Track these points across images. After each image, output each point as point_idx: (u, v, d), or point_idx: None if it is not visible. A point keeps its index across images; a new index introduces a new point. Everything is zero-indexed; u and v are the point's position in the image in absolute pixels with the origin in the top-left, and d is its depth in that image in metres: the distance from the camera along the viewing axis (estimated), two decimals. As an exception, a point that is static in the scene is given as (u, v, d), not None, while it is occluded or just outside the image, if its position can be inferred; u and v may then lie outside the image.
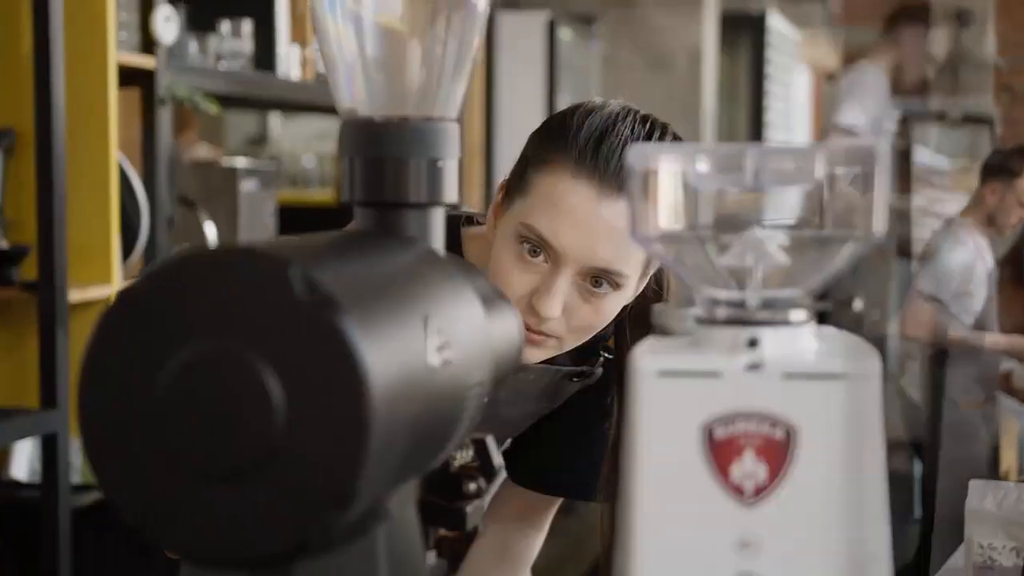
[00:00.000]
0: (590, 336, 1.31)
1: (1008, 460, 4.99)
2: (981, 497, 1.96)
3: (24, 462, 2.62)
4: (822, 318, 0.72)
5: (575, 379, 1.42)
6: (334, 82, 0.82)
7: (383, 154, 0.79)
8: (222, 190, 3.10)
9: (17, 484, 2.62)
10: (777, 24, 7.56)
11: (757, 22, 7.18)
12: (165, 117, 2.70)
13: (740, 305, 0.70)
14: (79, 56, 2.47)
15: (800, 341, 0.69)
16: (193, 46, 2.96)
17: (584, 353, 1.40)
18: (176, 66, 2.78)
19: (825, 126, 4.45)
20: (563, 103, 6.08)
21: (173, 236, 2.84)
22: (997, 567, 1.94)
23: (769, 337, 0.68)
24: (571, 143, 1.24)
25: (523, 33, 4.86)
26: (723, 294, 0.71)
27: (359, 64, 0.81)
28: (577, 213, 1.22)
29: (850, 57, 9.95)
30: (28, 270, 2.39)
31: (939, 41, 4.42)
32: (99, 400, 0.62)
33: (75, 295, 2.43)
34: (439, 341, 0.69)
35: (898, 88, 4.51)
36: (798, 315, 0.70)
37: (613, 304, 1.28)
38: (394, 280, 0.70)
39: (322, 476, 0.60)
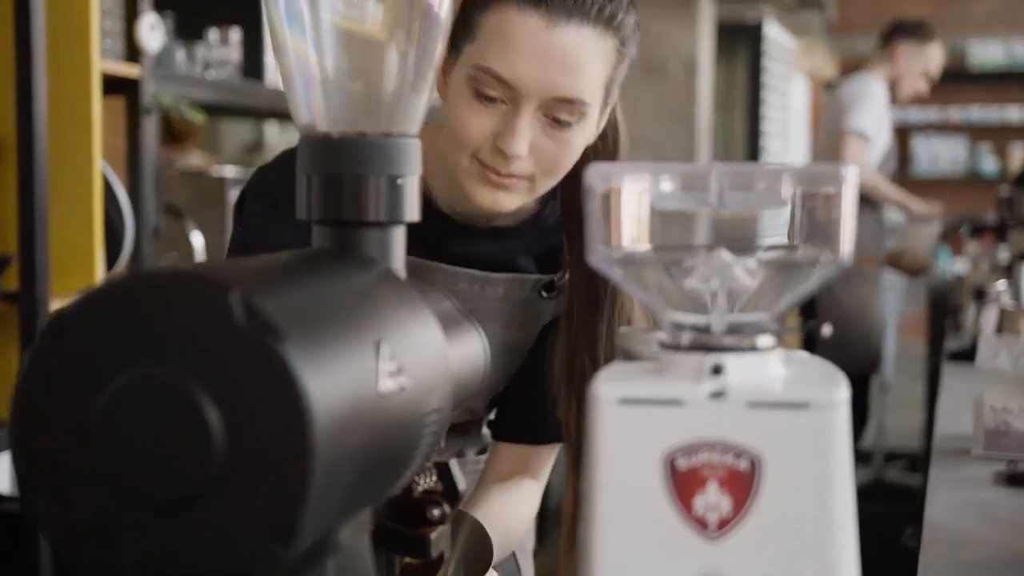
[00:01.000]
0: (559, 176, 1.28)
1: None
2: (993, 354, 1.82)
3: (6, 474, 2.60)
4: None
5: (544, 293, 1.39)
6: (292, 96, 0.80)
7: (341, 171, 0.77)
8: (212, 199, 3.08)
9: None
10: (774, 33, 7.54)
11: (754, 31, 7.16)
12: (150, 126, 2.68)
13: (705, 330, 0.68)
14: (62, 64, 2.44)
15: (766, 368, 0.67)
16: (181, 54, 2.94)
17: (549, 266, 1.39)
18: (162, 75, 2.76)
19: (828, 131, 4.44)
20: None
21: (159, 246, 2.82)
22: (1013, 432, 1.81)
23: (734, 364, 0.66)
24: None
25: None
26: (687, 318, 0.69)
27: (317, 78, 0.78)
28: (529, 44, 1.20)
29: (847, 66, 9.95)
30: (9, 280, 2.36)
31: (936, 56, 4.43)
32: (33, 426, 0.60)
33: (57, 305, 2.40)
34: (392, 367, 0.67)
35: (893, 100, 4.54)
36: (765, 340, 0.67)
37: (578, 137, 1.25)
38: (345, 304, 0.67)
39: (263, 509, 0.58)
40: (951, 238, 9.93)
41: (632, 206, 0.68)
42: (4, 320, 2.43)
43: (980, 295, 3.17)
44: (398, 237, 0.79)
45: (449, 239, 1.36)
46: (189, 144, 3.70)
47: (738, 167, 0.68)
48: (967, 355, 2.76)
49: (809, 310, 4.12)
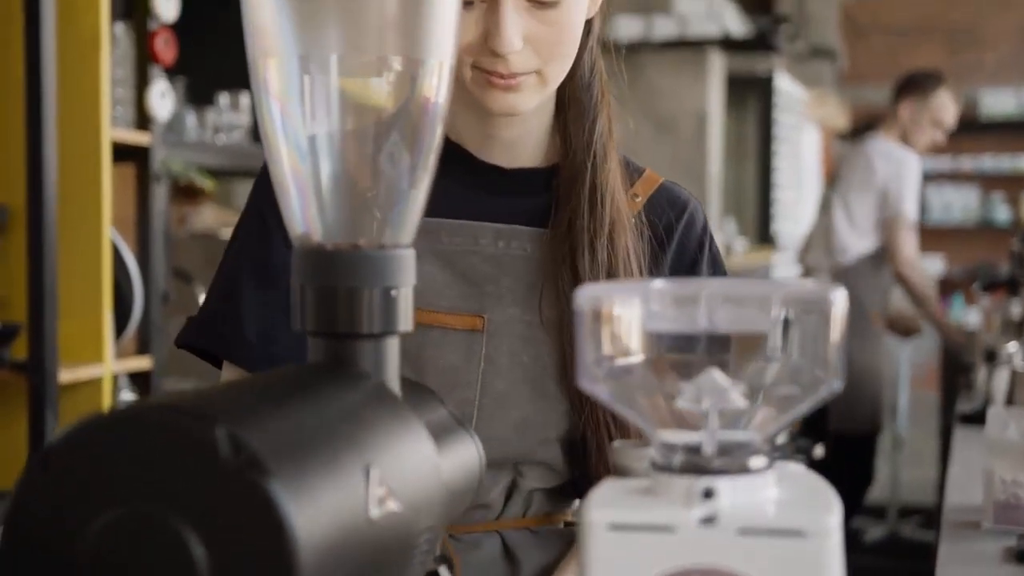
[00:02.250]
0: (567, 61, 1.19)
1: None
2: (1002, 425, 1.79)
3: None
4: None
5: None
6: (286, 207, 0.80)
7: (335, 283, 0.77)
8: (220, 262, 3.08)
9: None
10: (785, 84, 7.56)
11: (764, 83, 7.18)
12: (160, 193, 2.69)
13: (696, 450, 0.67)
14: (73, 133, 2.46)
15: (759, 490, 0.66)
16: (191, 119, 2.96)
17: None
18: (172, 141, 2.78)
19: (856, 191, 4.44)
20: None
21: (168, 311, 2.82)
22: (1023, 504, 1.78)
23: (726, 487, 0.65)
24: None
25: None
26: (678, 437, 0.68)
27: (311, 189, 0.79)
28: None
29: (858, 116, 9.97)
30: (18, 349, 2.37)
31: (943, 105, 4.43)
32: (20, 561, 0.60)
33: (66, 375, 2.40)
34: (382, 491, 0.66)
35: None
36: (757, 462, 0.67)
37: (573, 12, 1.17)
38: (334, 428, 0.67)
39: (250, 645, 0.57)
40: (964, 288, 9.91)
41: (621, 327, 0.68)
42: (13, 390, 2.43)
43: (991, 357, 3.15)
44: (392, 348, 0.79)
45: (475, 188, 1.27)
46: (201, 200, 3.72)
47: (729, 287, 0.68)
48: (979, 418, 2.75)
49: None
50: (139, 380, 2.76)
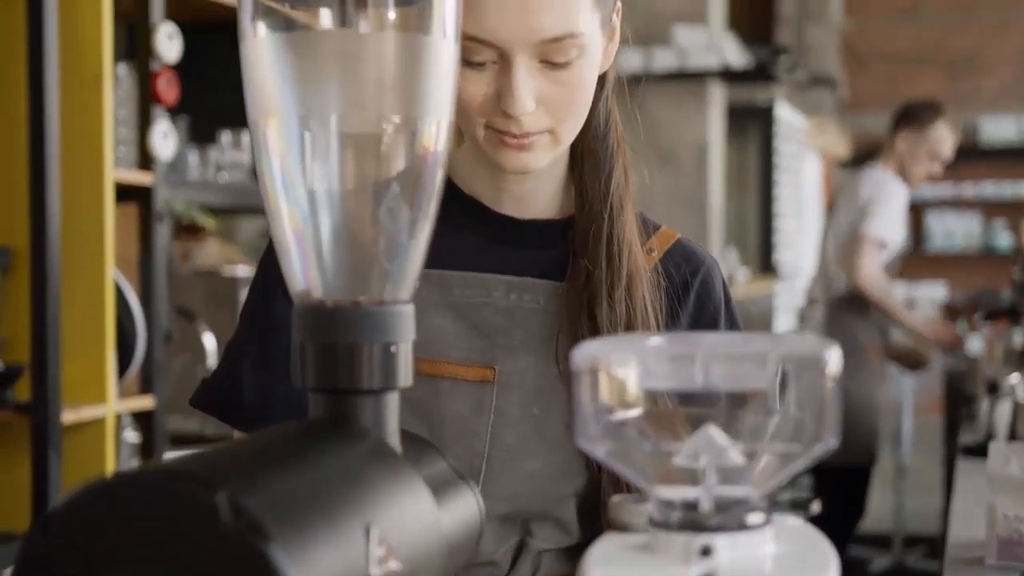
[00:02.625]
0: (580, 118, 1.19)
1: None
2: (1004, 460, 1.78)
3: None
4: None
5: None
6: (286, 263, 0.80)
7: (335, 340, 0.78)
8: (224, 299, 3.10)
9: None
10: (785, 113, 7.59)
11: (765, 112, 7.21)
12: (162, 232, 2.70)
13: (694, 506, 0.68)
14: (76, 173, 2.48)
15: (757, 547, 0.67)
16: (194, 157, 2.97)
17: None
18: (175, 180, 2.79)
19: (847, 222, 4.44)
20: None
21: (171, 349, 2.83)
22: None
23: (723, 544, 0.66)
24: None
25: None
26: (676, 494, 0.69)
27: (311, 246, 0.79)
28: None
29: (859, 144, 10.00)
30: (21, 390, 2.37)
31: (940, 136, 4.43)
32: (23, 626, 0.60)
33: (69, 416, 2.41)
34: (382, 550, 0.67)
35: (909, 185, 4.55)
36: (755, 518, 0.67)
37: (585, 72, 1.16)
38: (334, 489, 0.67)
39: None
40: (967, 315, 9.91)
41: (618, 385, 0.68)
42: (16, 431, 2.44)
43: (993, 388, 3.15)
44: (392, 403, 0.79)
45: (489, 240, 1.27)
46: (204, 236, 3.73)
47: (725, 344, 0.69)
48: (982, 450, 2.74)
49: None
50: (142, 419, 2.77)
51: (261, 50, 0.78)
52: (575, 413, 0.69)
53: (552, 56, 1.13)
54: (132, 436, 2.88)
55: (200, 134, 3.03)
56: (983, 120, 10.15)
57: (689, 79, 5.39)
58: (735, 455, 0.68)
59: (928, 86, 10.24)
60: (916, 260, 10.35)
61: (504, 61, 1.13)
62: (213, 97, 3.09)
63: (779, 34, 9.70)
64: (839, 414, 0.67)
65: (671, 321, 1.25)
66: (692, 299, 1.28)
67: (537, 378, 1.22)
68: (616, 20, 1.24)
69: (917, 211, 10.39)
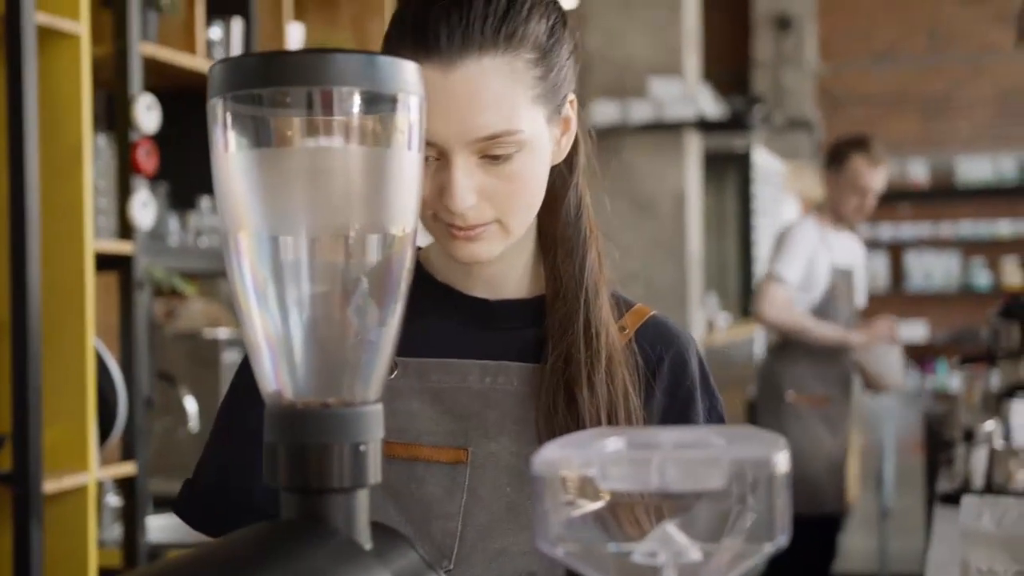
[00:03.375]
0: (529, 210, 1.21)
1: (851, 475, 4.94)
2: (976, 514, 1.79)
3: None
4: None
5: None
6: (258, 366, 0.83)
7: (306, 441, 0.80)
8: (206, 362, 3.12)
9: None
10: (762, 159, 7.66)
11: (742, 159, 7.28)
12: (143, 300, 2.73)
13: (654, 605, 0.71)
14: (57, 243, 2.50)
15: (713, 644, 0.69)
16: (174, 223, 3.00)
17: None
18: (155, 248, 2.82)
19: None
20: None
21: (152, 415, 2.85)
22: None
23: (682, 640, 0.68)
24: (401, 35, 1.18)
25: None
26: (637, 593, 0.71)
27: (281, 350, 0.82)
28: (431, 97, 1.09)
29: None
30: (3, 460, 2.39)
31: (858, 170, 4.37)
32: None
33: (51, 485, 2.42)
34: (351, 653, 0.69)
35: (845, 224, 4.53)
36: (712, 616, 0.70)
37: (528, 165, 1.18)
38: (305, 595, 0.70)
39: None
40: (948, 354, 9.97)
41: (577, 487, 0.71)
42: (-2, 500, 2.45)
43: (969, 436, 3.18)
44: (362, 500, 0.82)
45: (462, 323, 1.29)
46: (188, 295, 3.75)
47: (680, 448, 0.72)
48: (959, 497, 2.77)
49: None
50: (124, 485, 2.78)
51: (232, 165, 0.81)
52: (534, 516, 0.71)
53: (491, 151, 1.16)
54: (114, 500, 2.89)
55: (180, 200, 3.06)
56: (959, 160, 10.25)
57: (666, 129, 5.45)
58: (693, 552, 0.71)
59: (904, 128, 10.35)
60: (896, 300, 10.42)
61: (443, 158, 1.16)
62: (193, 163, 3.12)
63: (755, 78, 9.80)
64: (790, 513, 0.70)
65: (647, 399, 1.27)
66: (666, 375, 1.29)
67: (510, 458, 1.24)
68: (570, 111, 1.25)
69: (897, 251, 10.47)
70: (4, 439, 2.39)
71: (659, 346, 1.30)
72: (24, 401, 2.35)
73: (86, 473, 2.52)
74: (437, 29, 1.15)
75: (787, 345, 4.37)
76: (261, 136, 0.80)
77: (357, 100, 0.80)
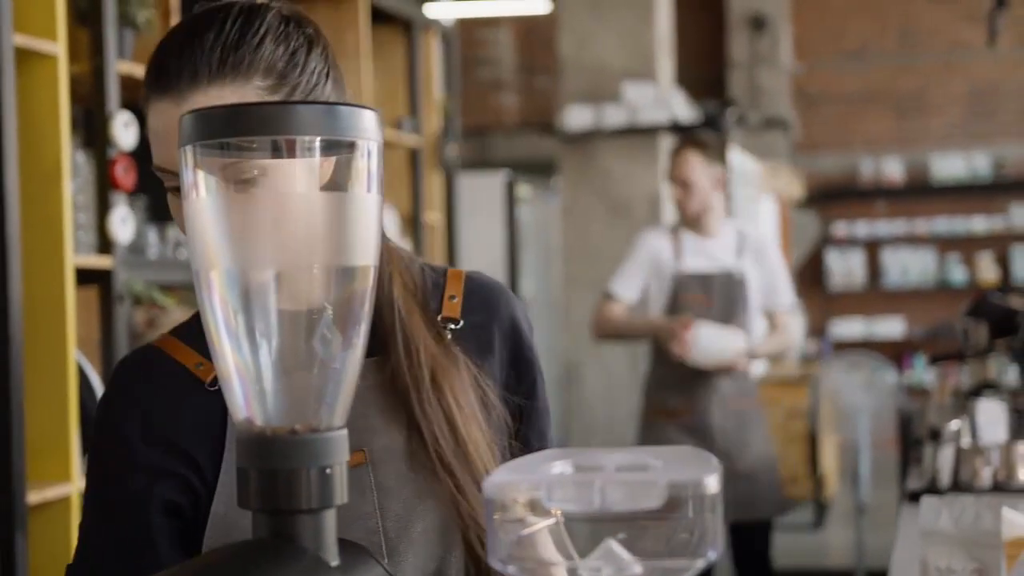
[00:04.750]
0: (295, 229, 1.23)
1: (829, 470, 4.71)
2: (936, 515, 1.83)
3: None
4: None
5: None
6: (229, 395, 0.89)
7: (275, 465, 0.86)
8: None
9: None
10: (739, 160, 7.73)
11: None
12: (123, 313, 2.78)
13: (597, 616, 0.76)
14: (37, 260, 2.54)
15: (651, 651, 0.75)
16: (153, 236, 3.05)
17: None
18: (134, 261, 2.87)
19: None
20: (524, 257, 6.23)
21: (134, 425, 2.89)
22: None
23: (622, 649, 0.74)
24: (147, 72, 1.22)
25: (483, 192, 5.00)
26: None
27: (251, 380, 0.88)
28: (170, 128, 1.17)
29: (813, 184, 10.17)
30: (-14, 474, 2.43)
31: (694, 170, 4.20)
32: None
33: (33, 496, 2.47)
34: (318, 665, 0.75)
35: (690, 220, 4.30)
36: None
37: (278, 189, 1.14)
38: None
39: None
40: (925, 349, 10.07)
41: (524, 510, 0.77)
42: (-18, 513, 2.49)
43: (935, 435, 3.24)
44: (329, 520, 0.88)
45: None
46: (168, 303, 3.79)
47: (621, 471, 0.78)
48: (925, 495, 2.82)
49: None
50: (107, 494, 2.83)
51: (202, 208, 0.87)
52: (487, 537, 0.77)
53: (234, 179, 1.15)
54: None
55: (158, 214, 3.11)
56: (933, 158, 10.36)
57: (640, 133, 5.52)
58: (634, 566, 0.77)
59: (878, 126, 10.45)
60: (873, 296, 10.52)
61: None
62: (170, 176, 3.17)
63: (731, 78, 9.88)
64: (720, 530, 0.76)
65: (484, 361, 1.32)
66: (506, 337, 1.35)
67: (403, 444, 1.28)
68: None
69: (873, 248, 10.57)
70: (-13, 453, 2.43)
71: (487, 305, 1.35)
72: (7, 414, 2.40)
73: (69, 484, 2.57)
74: (169, 65, 1.20)
75: (651, 362, 4.31)
76: (228, 181, 0.85)
77: (318, 147, 0.85)
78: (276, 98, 1.21)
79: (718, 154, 4.26)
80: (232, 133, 0.85)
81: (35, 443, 2.51)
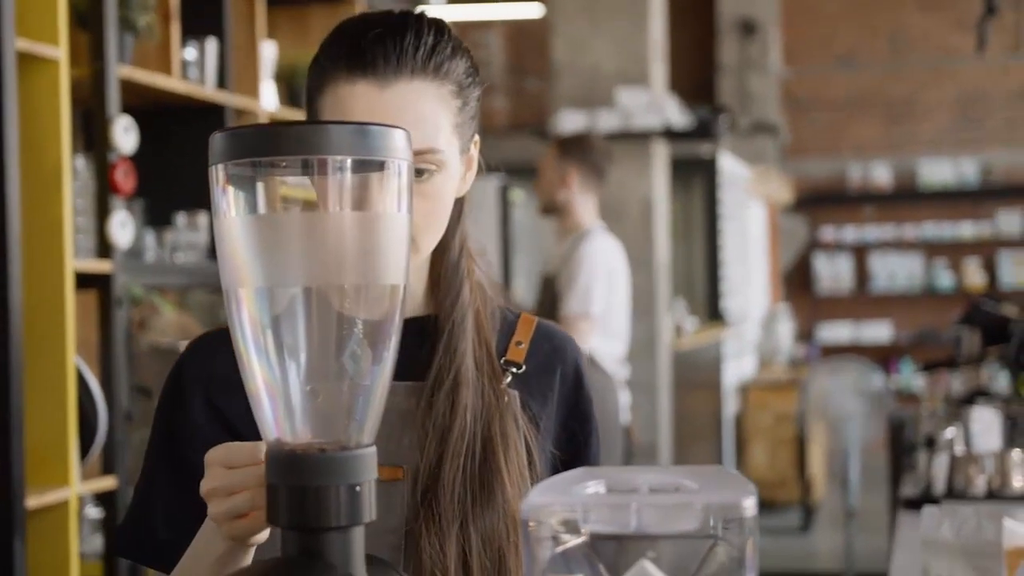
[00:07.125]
0: (437, 231, 1.26)
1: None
2: (937, 524, 1.84)
3: None
4: None
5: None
6: (260, 415, 0.89)
7: (305, 483, 0.86)
8: (180, 374, 3.15)
9: None
10: (728, 164, 7.75)
11: (708, 164, 7.36)
12: (121, 317, 2.77)
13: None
14: (37, 263, 2.54)
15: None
16: (151, 240, 3.05)
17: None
18: (132, 265, 2.87)
19: None
20: (518, 263, 6.23)
21: (131, 428, 2.89)
22: None
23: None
24: (335, 57, 1.23)
25: (476, 198, 4.96)
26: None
27: (281, 400, 0.88)
28: (366, 110, 1.20)
29: (802, 189, 10.20)
30: (-15, 479, 2.42)
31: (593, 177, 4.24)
32: None
33: (32, 501, 2.46)
34: None
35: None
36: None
37: (444, 186, 1.24)
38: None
39: None
40: (912, 353, 10.10)
41: (561, 530, 0.77)
42: (-19, 518, 2.48)
43: (930, 442, 3.25)
44: (358, 537, 0.88)
45: None
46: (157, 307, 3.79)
47: (658, 493, 0.78)
48: (921, 504, 2.82)
49: None
50: (105, 499, 2.83)
51: (232, 226, 0.87)
52: (524, 558, 0.78)
53: (415, 166, 1.19)
54: (94, 512, 2.93)
55: (156, 217, 3.11)
56: (921, 163, 10.38)
57: (633, 138, 5.52)
58: (666, 587, 0.77)
59: (867, 131, 10.47)
60: (861, 301, 10.54)
61: None
62: (169, 181, 3.17)
63: (721, 83, 9.88)
64: (757, 553, 0.76)
65: (540, 409, 1.33)
66: (566, 385, 1.36)
67: (434, 468, 1.26)
68: (474, 151, 1.32)
69: (861, 253, 10.59)
70: (-13, 457, 2.43)
71: (552, 356, 1.36)
72: (6, 418, 2.39)
73: (67, 488, 2.56)
74: (374, 51, 1.21)
75: None
76: (259, 200, 0.86)
77: (349, 166, 0.86)
78: (456, 107, 1.25)
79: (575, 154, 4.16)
80: (264, 152, 0.86)
81: (34, 447, 2.51)
